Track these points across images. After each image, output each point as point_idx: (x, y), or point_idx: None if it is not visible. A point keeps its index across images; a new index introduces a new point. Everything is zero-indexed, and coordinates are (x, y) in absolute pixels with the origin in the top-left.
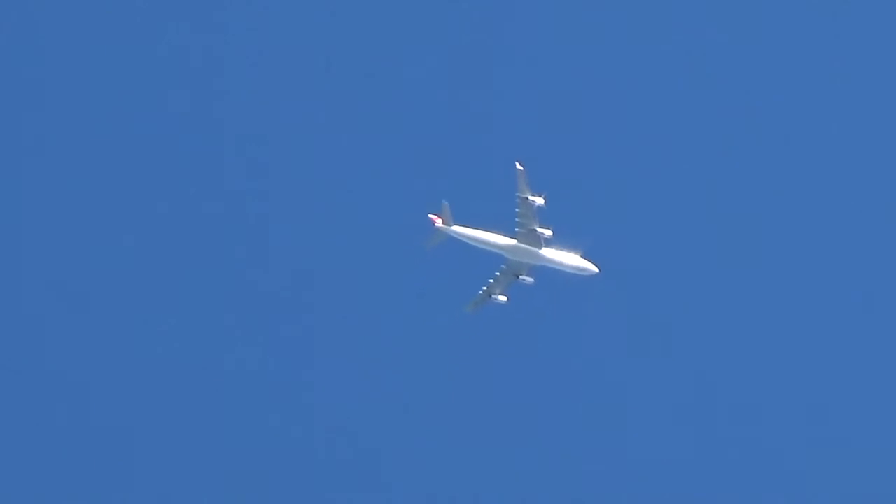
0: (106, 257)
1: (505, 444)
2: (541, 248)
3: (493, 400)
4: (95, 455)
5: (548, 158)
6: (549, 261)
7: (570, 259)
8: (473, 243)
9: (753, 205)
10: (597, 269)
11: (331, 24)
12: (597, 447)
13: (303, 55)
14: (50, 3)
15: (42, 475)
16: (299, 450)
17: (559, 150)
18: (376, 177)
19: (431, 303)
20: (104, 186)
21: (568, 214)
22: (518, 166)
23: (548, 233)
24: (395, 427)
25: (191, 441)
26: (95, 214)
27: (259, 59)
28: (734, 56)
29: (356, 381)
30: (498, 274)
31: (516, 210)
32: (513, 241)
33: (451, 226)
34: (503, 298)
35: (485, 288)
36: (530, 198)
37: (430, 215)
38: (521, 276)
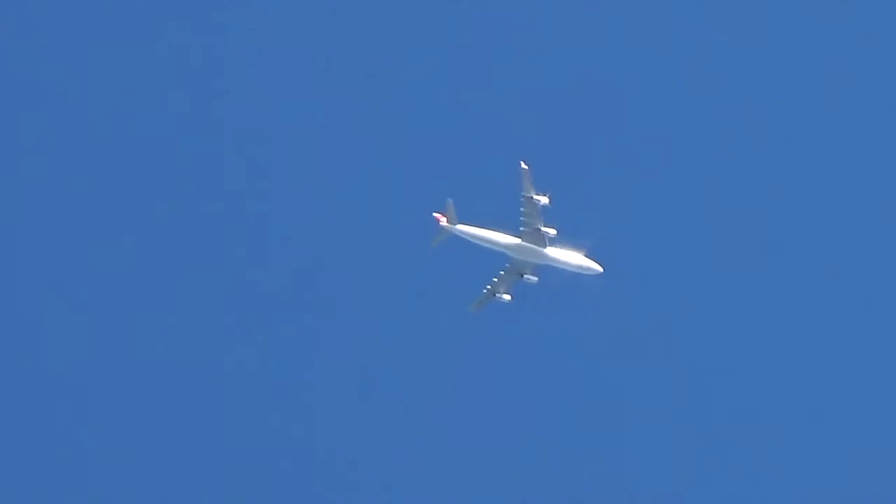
0: (106, 257)
1: (508, 444)
2: (545, 248)
3: (496, 399)
4: (95, 455)
5: (552, 158)
6: (553, 260)
7: (574, 258)
8: (477, 242)
9: (758, 205)
10: (601, 269)
11: (331, 24)
12: (600, 446)
13: (303, 55)
14: (50, 3)
15: (42, 475)
16: (299, 450)
17: (564, 150)
18: (380, 176)
19: (435, 301)
20: (104, 186)
21: (572, 214)
22: (523, 165)
23: (552, 232)
24: (396, 427)
25: (191, 441)
26: (95, 214)
27: (259, 59)
28: (736, 56)
29: (357, 381)
30: (502, 273)
31: (521, 209)
32: (517, 241)
33: (455, 224)
34: (507, 297)
35: (489, 287)
36: (535, 197)
37: (434, 214)
38: (524, 276)
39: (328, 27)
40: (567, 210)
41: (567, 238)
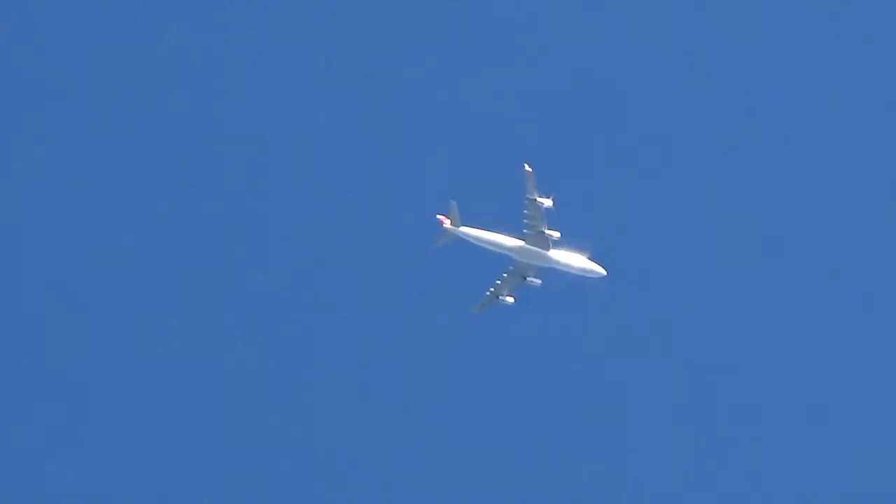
0: (106, 257)
1: (510, 445)
2: (548, 250)
3: (498, 401)
4: (95, 455)
5: (556, 160)
6: (557, 262)
7: (577, 261)
8: (481, 244)
9: (761, 208)
10: (604, 272)
11: (331, 24)
12: (602, 448)
13: (303, 55)
14: (50, 3)
15: (42, 475)
16: (299, 450)
17: (567, 152)
18: (382, 177)
19: (437, 303)
20: (104, 186)
21: (576, 216)
22: (527, 168)
23: (555, 234)
24: (397, 428)
25: (191, 441)
26: (95, 214)
27: (259, 59)
28: (736, 56)
29: (357, 381)
30: (505, 275)
31: (524, 211)
32: (520, 243)
33: (459, 226)
34: (510, 300)
35: (492, 289)
36: (539, 199)
37: (438, 216)
38: (528, 278)
39: (328, 27)
40: (571, 213)
41: (570, 241)
